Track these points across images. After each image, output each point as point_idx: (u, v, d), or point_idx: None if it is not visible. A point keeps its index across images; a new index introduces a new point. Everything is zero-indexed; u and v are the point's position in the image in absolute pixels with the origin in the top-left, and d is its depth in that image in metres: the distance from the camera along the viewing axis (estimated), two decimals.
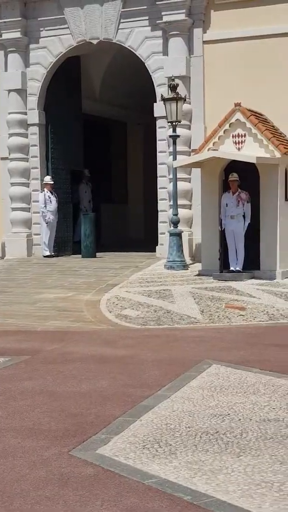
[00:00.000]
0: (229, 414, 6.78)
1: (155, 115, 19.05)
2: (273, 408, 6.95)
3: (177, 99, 17.08)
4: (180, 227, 17.66)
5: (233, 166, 15.93)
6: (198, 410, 6.93)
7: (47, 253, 20.18)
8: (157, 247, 19.32)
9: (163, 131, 18.91)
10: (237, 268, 15.80)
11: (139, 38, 19.14)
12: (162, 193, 19.22)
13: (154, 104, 18.95)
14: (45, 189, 20.22)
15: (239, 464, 5.45)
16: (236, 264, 15.87)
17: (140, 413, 6.82)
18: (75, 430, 6.36)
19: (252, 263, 15.83)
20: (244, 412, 6.82)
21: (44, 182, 20.34)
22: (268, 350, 9.83)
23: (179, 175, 17.87)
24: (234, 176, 15.75)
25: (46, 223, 20.15)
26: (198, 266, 17.07)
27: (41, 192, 20.25)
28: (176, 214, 17.38)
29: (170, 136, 17.55)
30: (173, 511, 4.62)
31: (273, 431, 6.23)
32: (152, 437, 6.13)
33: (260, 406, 7.04)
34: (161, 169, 19.20)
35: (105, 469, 5.39)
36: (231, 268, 15.89)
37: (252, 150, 15.60)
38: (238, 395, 7.47)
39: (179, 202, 17.80)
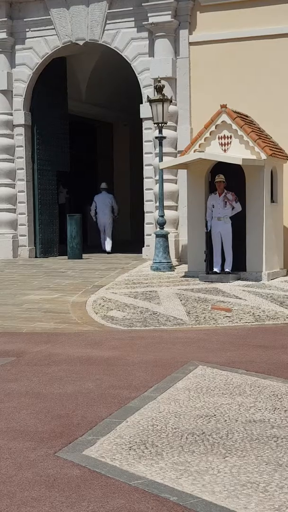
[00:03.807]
0: (215, 415, 6.80)
1: (141, 117, 19.07)
2: (259, 409, 6.97)
3: (163, 100, 17.10)
4: (166, 228, 17.69)
5: (219, 167, 15.96)
6: (184, 411, 6.95)
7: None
8: (143, 248, 19.34)
9: (149, 133, 18.93)
10: (227, 269, 15.83)
11: (125, 39, 19.15)
12: (148, 195, 19.23)
13: (140, 105, 18.97)
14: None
15: (225, 465, 5.47)
16: (219, 266, 15.91)
17: (127, 415, 6.83)
18: (61, 432, 6.36)
19: (239, 265, 15.87)
20: (230, 413, 6.84)
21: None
22: (254, 352, 9.86)
23: (165, 177, 17.91)
24: (220, 177, 15.78)
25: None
26: (184, 268, 17.10)
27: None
28: (162, 216, 17.40)
29: (156, 138, 17.57)
30: None
31: (258, 432, 6.25)
32: (139, 438, 6.14)
33: (246, 407, 7.06)
34: (148, 171, 19.21)
35: (92, 470, 5.40)
36: (215, 270, 15.92)
37: (238, 152, 15.64)
38: (224, 396, 7.49)
39: (165, 203, 17.84)
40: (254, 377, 8.33)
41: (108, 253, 21.64)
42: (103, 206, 21.88)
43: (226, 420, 6.62)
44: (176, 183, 18.74)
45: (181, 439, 6.10)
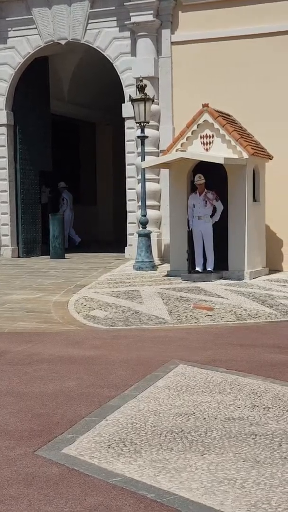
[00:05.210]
0: (194, 413, 6.83)
1: (123, 116, 19.06)
2: (238, 407, 7.01)
3: (145, 99, 17.12)
4: (149, 227, 17.71)
5: (201, 166, 16.00)
6: (164, 409, 6.97)
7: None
8: (125, 248, 19.35)
9: (131, 132, 18.93)
10: (209, 268, 15.88)
11: (107, 38, 19.15)
12: (130, 194, 19.24)
13: (123, 104, 18.97)
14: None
15: (202, 462, 5.50)
16: (201, 265, 15.96)
17: (106, 413, 6.85)
18: (41, 430, 6.37)
19: (221, 264, 15.91)
20: (209, 411, 6.88)
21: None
22: (235, 350, 9.90)
23: (147, 176, 17.91)
24: (200, 179, 15.81)
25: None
26: (166, 267, 17.13)
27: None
28: (144, 215, 17.42)
29: (139, 137, 17.58)
30: (137, 509, 4.66)
31: (237, 430, 6.28)
32: (118, 436, 6.16)
33: (225, 405, 7.10)
34: (130, 170, 19.21)
35: (70, 468, 5.41)
36: (197, 269, 15.97)
37: (220, 151, 15.68)
38: (204, 394, 7.52)
39: (148, 202, 17.86)
40: (234, 375, 8.37)
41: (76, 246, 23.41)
42: (70, 203, 23.96)
43: (205, 418, 6.65)
44: (158, 183, 18.76)
45: (160, 437, 6.13)
